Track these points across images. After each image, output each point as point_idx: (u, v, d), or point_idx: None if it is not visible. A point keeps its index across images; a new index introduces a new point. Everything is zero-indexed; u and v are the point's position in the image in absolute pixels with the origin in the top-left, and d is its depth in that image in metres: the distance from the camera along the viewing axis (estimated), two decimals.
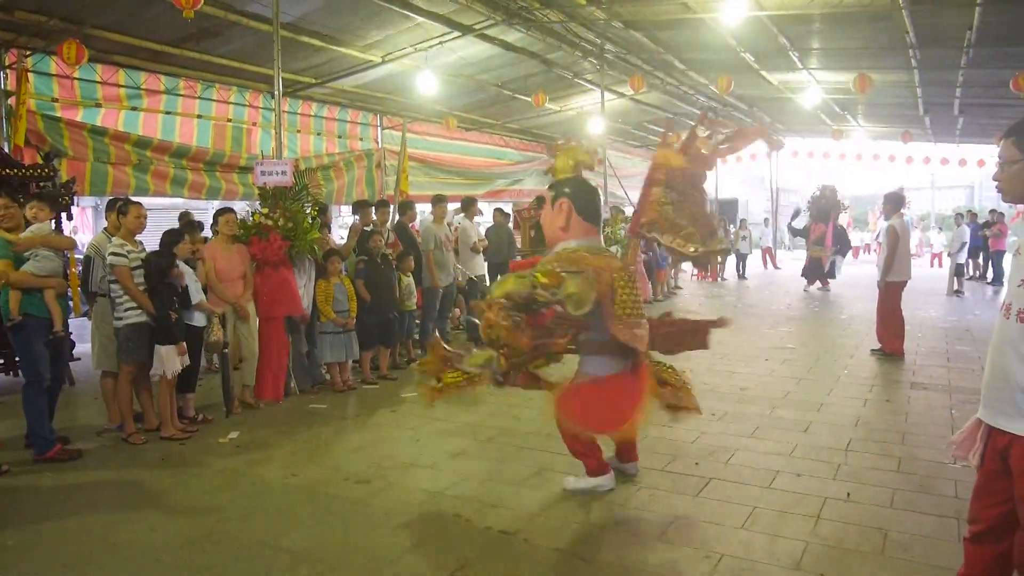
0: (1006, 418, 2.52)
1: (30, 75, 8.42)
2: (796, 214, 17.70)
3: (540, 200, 4.49)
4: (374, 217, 8.29)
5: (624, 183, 19.25)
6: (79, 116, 8.99)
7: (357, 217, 8.41)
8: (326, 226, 7.68)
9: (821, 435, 5.56)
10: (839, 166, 24.93)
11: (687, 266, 19.62)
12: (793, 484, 4.56)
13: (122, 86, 9.46)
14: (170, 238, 6.02)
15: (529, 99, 13.35)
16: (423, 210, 11.01)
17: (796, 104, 16.88)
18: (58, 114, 8.73)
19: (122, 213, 5.75)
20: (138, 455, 5.37)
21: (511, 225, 13.17)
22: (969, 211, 19.71)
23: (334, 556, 3.68)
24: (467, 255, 9.71)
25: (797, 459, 5.02)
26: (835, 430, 5.67)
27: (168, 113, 10.12)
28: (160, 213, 12.02)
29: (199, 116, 10.53)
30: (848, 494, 4.37)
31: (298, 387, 7.13)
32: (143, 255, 5.70)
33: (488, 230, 11.77)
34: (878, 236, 8.68)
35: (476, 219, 10.49)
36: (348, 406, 6.79)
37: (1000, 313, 2.59)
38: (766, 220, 24.35)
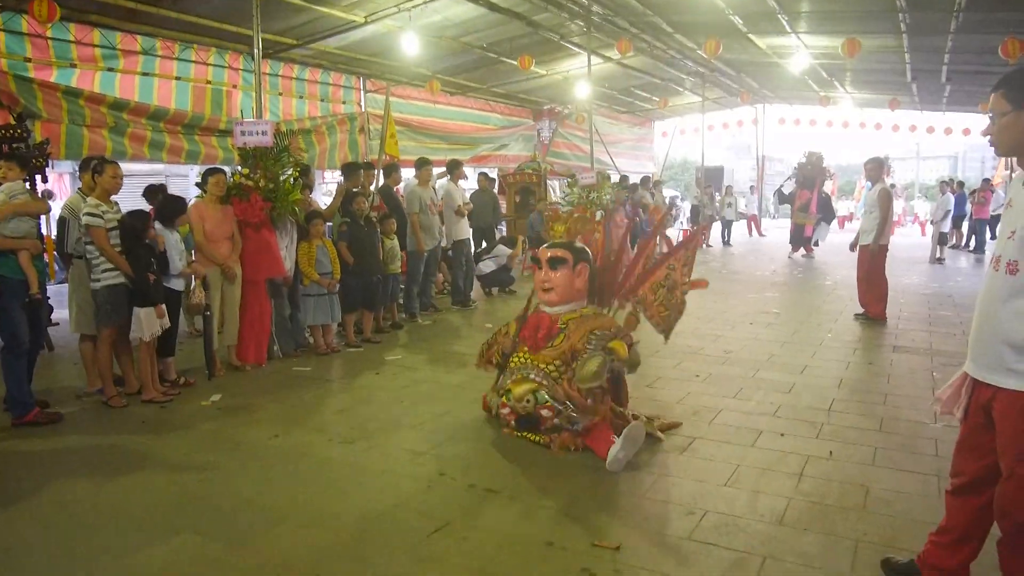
0: (990, 371, 2.54)
1: (1, 34, 8.20)
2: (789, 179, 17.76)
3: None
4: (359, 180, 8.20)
5: (610, 149, 19.18)
6: (53, 77, 8.76)
7: (342, 178, 8.32)
8: (308, 188, 7.58)
9: (804, 396, 5.59)
10: (826, 134, 24.92)
11: (671, 233, 19.69)
12: (776, 443, 4.59)
13: (97, 46, 9.23)
14: (175, 206, 6.10)
15: (515, 62, 13.17)
16: (407, 174, 10.89)
17: (783, 69, 16.76)
18: (31, 75, 8.50)
19: (97, 172, 5.63)
20: (119, 418, 5.32)
21: (496, 190, 13.10)
22: (952, 179, 19.78)
23: (317, 515, 3.67)
24: (451, 219, 9.64)
25: (780, 419, 5.05)
26: (818, 391, 5.71)
27: (145, 75, 9.88)
28: (139, 180, 11.84)
29: (177, 78, 10.30)
30: (831, 452, 4.40)
31: (281, 350, 7.09)
32: (119, 216, 5.60)
33: (473, 195, 11.69)
34: (871, 199, 8.63)
35: (461, 183, 10.38)
36: (332, 369, 6.76)
37: (989, 266, 2.59)
38: (752, 187, 24.38)
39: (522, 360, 4.80)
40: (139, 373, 5.76)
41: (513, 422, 4.64)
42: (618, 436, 4.18)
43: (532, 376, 4.63)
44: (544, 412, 4.46)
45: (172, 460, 4.49)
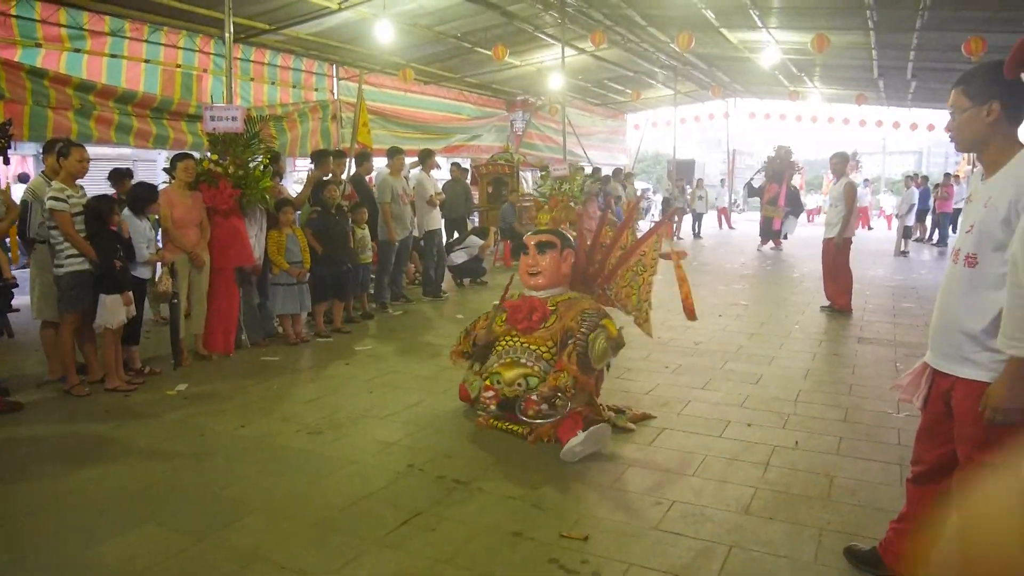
0: (949, 361, 2.58)
1: None
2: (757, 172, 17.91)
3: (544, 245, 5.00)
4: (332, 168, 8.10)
5: (583, 141, 19.17)
6: (17, 56, 8.50)
7: (313, 166, 8.20)
8: (278, 175, 7.46)
9: (771, 387, 5.64)
10: (795, 128, 25.21)
11: (643, 224, 19.79)
12: (744, 433, 4.62)
13: (63, 26, 8.98)
14: (147, 194, 5.94)
15: (489, 52, 13.08)
16: (379, 163, 10.78)
17: (754, 64, 16.90)
18: None
19: (63, 155, 5.47)
20: (82, 407, 5.20)
21: (468, 181, 13.02)
22: (917, 174, 20.07)
23: (284, 505, 3.62)
24: (423, 209, 9.56)
25: (748, 410, 5.09)
26: (785, 382, 5.77)
27: (113, 56, 9.64)
28: (105, 164, 11.58)
29: (146, 61, 10.07)
30: (796, 442, 4.44)
31: (249, 340, 6.98)
32: (84, 200, 5.46)
33: (445, 185, 11.61)
34: (836, 193, 8.74)
35: (433, 173, 10.30)
36: (301, 359, 6.67)
37: (950, 259, 2.63)
38: (722, 181, 24.57)
39: (511, 343, 4.78)
40: (103, 361, 5.63)
41: (494, 406, 4.60)
42: (584, 431, 4.18)
43: (524, 360, 4.62)
44: (533, 397, 4.43)
45: (136, 450, 4.40)
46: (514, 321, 4.86)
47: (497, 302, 5.17)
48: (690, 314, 4.88)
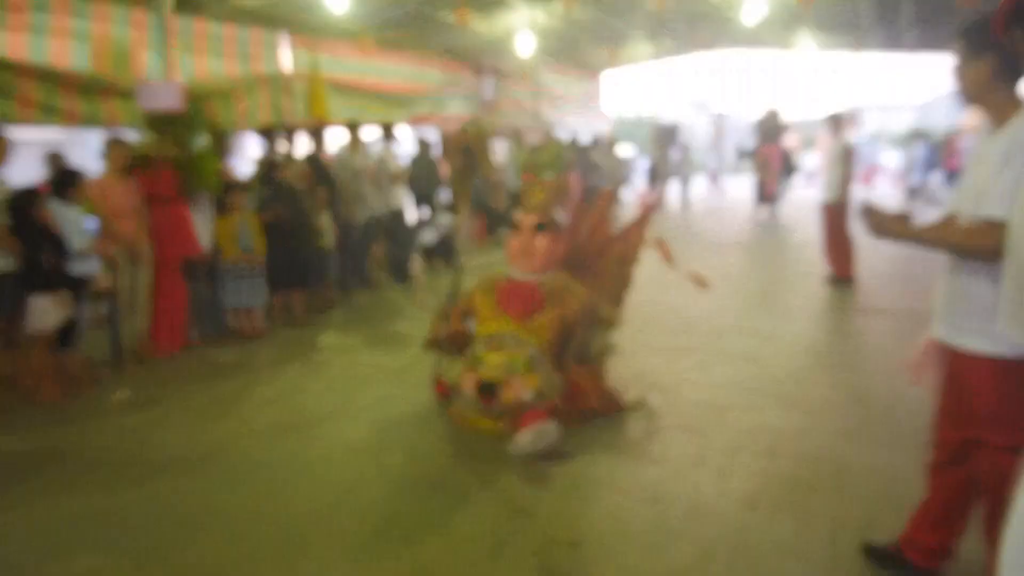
0: (959, 333, 2.54)
1: None
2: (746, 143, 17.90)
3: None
4: (283, 146, 7.93)
5: (558, 105, 19.03)
6: None
7: (263, 145, 8.02)
8: (225, 155, 7.26)
9: (772, 366, 5.58)
10: (787, 88, 25.23)
11: (624, 193, 19.72)
12: (744, 419, 4.56)
13: None
14: (68, 177, 5.78)
15: (453, 16, 12.85)
16: (338, 139, 10.58)
17: (737, 21, 16.74)
18: None
19: None
20: (11, 422, 5.01)
21: (437, 154, 12.88)
22: (920, 131, 20.14)
23: (242, 519, 3.50)
24: (387, 186, 9.38)
25: (748, 392, 5.03)
26: (786, 360, 5.72)
27: (36, 31, 9.34)
28: (34, 149, 11.28)
29: (74, 35, 9.77)
30: (802, 427, 4.39)
31: (200, 337, 6.82)
32: (5, 191, 5.25)
33: (411, 160, 11.47)
34: (831, 155, 8.70)
35: (398, 147, 10.14)
36: (258, 355, 6.51)
37: None
38: (711, 144, 24.53)
39: (500, 329, 4.72)
40: (34, 370, 5.43)
41: (472, 391, 4.48)
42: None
43: (510, 347, 4.58)
44: (514, 381, 4.37)
45: (74, 467, 4.24)
46: (507, 306, 4.79)
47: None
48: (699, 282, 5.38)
